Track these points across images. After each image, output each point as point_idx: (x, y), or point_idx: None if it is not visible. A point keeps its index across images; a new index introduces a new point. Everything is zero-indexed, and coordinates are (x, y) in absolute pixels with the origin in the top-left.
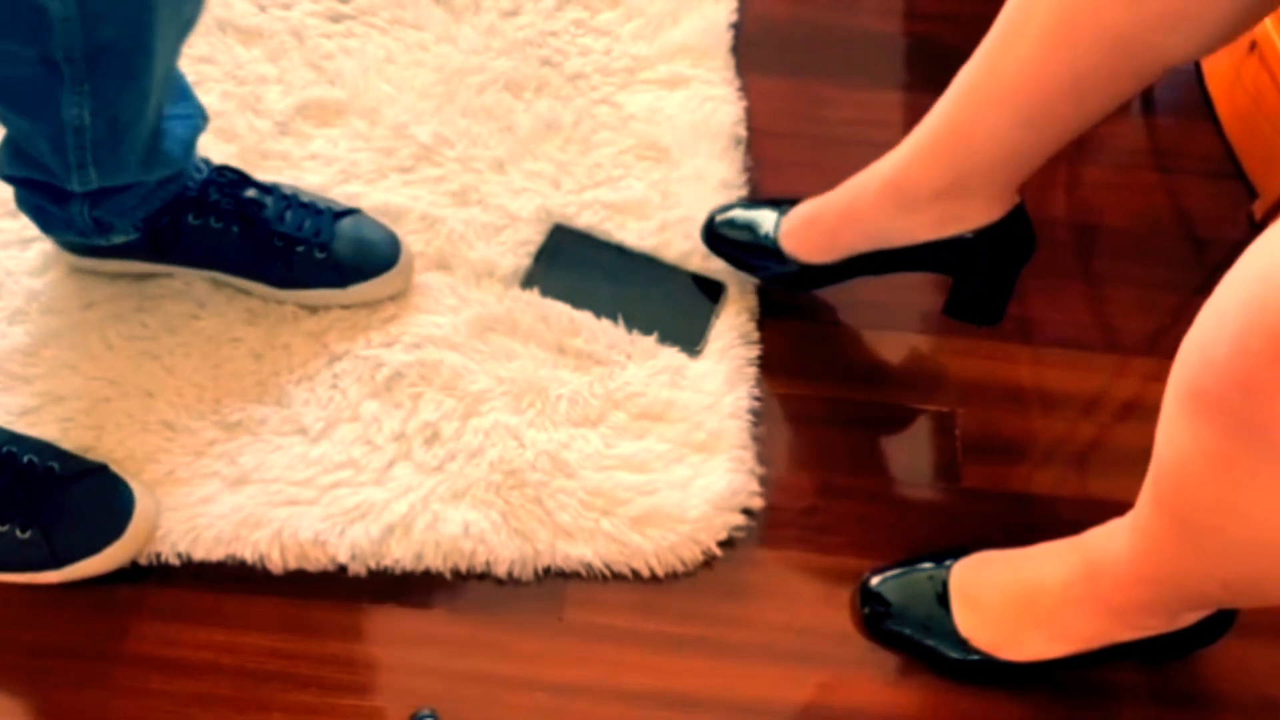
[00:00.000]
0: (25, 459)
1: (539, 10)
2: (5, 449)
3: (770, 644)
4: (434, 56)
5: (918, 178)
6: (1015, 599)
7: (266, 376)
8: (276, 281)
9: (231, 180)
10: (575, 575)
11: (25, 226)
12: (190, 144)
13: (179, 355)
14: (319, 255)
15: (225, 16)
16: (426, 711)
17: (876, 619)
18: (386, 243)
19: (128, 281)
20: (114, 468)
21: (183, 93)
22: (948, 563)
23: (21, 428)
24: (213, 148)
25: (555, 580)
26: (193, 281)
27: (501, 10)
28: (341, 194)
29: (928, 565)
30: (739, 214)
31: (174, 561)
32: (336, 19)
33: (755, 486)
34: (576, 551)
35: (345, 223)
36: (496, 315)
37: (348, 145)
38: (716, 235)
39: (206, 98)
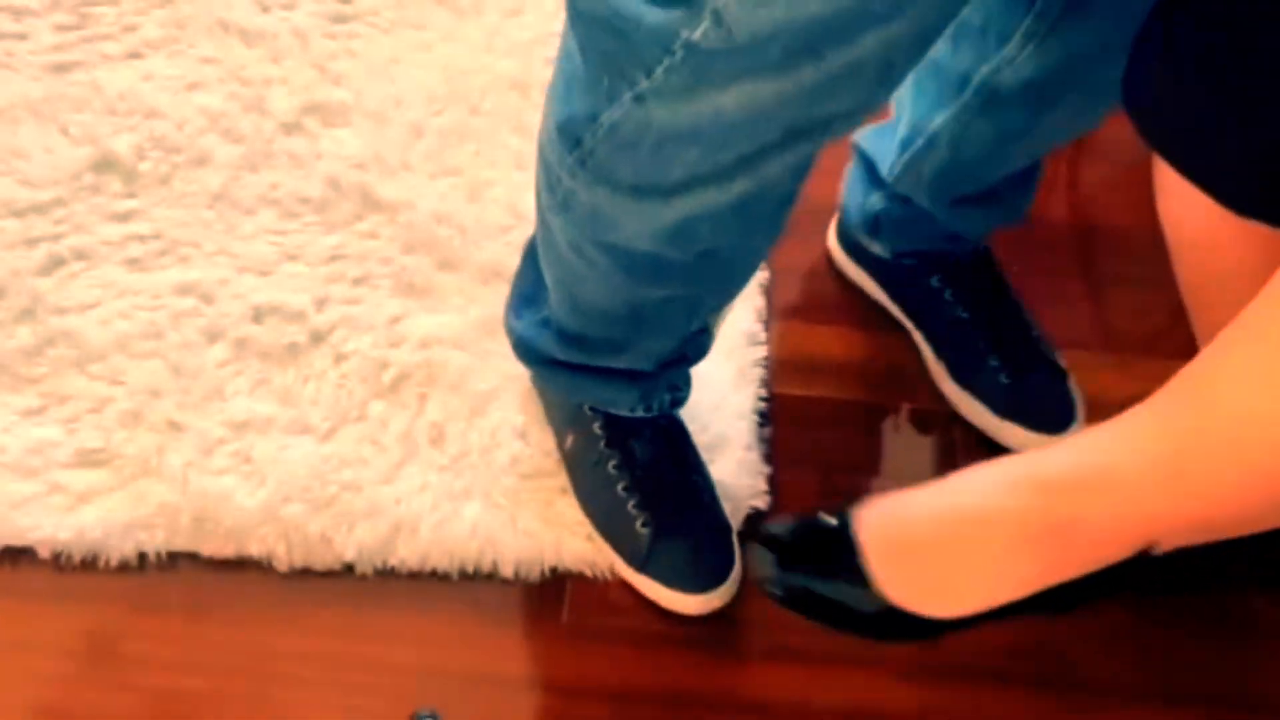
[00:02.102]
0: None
1: (542, 10)
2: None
3: (771, 644)
4: (438, 57)
5: None
6: (945, 543)
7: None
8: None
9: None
10: (579, 575)
11: (30, 226)
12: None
13: (185, 354)
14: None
15: (228, 17)
16: (426, 712)
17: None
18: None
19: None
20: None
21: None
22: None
23: (27, 428)
24: (218, 148)
25: (555, 580)
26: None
27: (504, 10)
28: (348, 192)
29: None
30: None
31: (180, 558)
32: (339, 19)
33: (762, 486)
34: (582, 551)
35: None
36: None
37: (354, 145)
38: None
39: (210, 98)
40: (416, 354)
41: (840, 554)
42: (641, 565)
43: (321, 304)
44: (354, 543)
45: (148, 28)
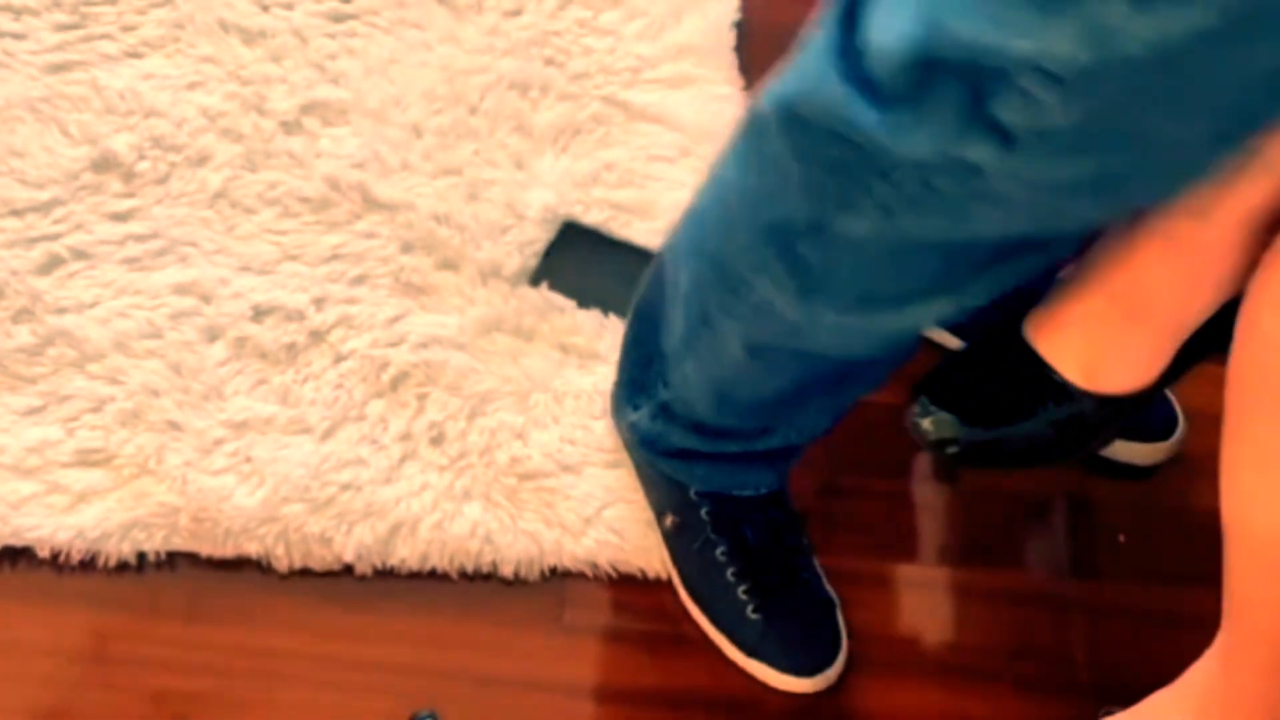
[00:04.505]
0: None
1: (541, 10)
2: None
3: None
4: (438, 56)
5: None
6: None
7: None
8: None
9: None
10: (579, 575)
11: (29, 226)
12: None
13: (184, 354)
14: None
15: (228, 17)
16: (426, 712)
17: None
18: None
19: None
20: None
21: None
22: None
23: (26, 428)
24: (218, 148)
25: (555, 580)
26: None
27: (504, 10)
28: (347, 192)
29: None
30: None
31: (179, 558)
32: (339, 18)
33: None
34: (582, 552)
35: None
36: (503, 315)
37: (354, 144)
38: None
39: (210, 98)
40: (416, 354)
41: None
42: (752, 651)
43: (320, 303)
44: (353, 543)
45: (147, 27)
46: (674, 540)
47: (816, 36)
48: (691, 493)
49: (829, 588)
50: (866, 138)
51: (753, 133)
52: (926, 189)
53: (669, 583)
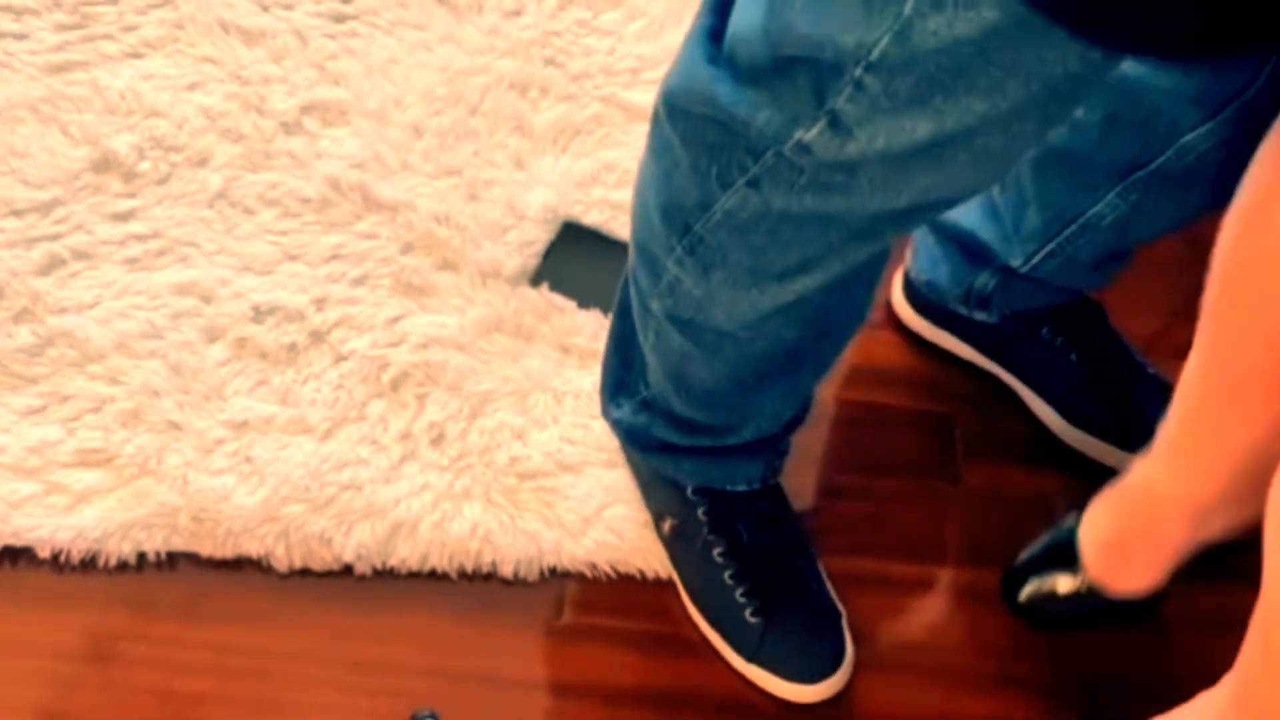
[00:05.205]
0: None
1: (541, 10)
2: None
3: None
4: (438, 57)
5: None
6: None
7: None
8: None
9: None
10: (579, 575)
11: (30, 226)
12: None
13: (184, 354)
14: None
15: (228, 17)
16: (426, 712)
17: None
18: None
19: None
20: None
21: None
22: None
23: (26, 428)
24: (219, 148)
25: (555, 580)
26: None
27: (504, 10)
28: (348, 192)
29: None
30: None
31: (179, 558)
32: (339, 19)
33: None
34: (582, 552)
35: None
36: (502, 315)
37: (354, 145)
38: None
39: (210, 98)
40: (416, 354)
41: None
42: (752, 656)
43: (321, 304)
44: (353, 543)
45: (148, 27)
46: (673, 545)
47: (691, 27)
48: (689, 492)
49: (835, 598)
50: (729, 115)
51: (653, 123)
52: (790, 166)
53: (668, 582)
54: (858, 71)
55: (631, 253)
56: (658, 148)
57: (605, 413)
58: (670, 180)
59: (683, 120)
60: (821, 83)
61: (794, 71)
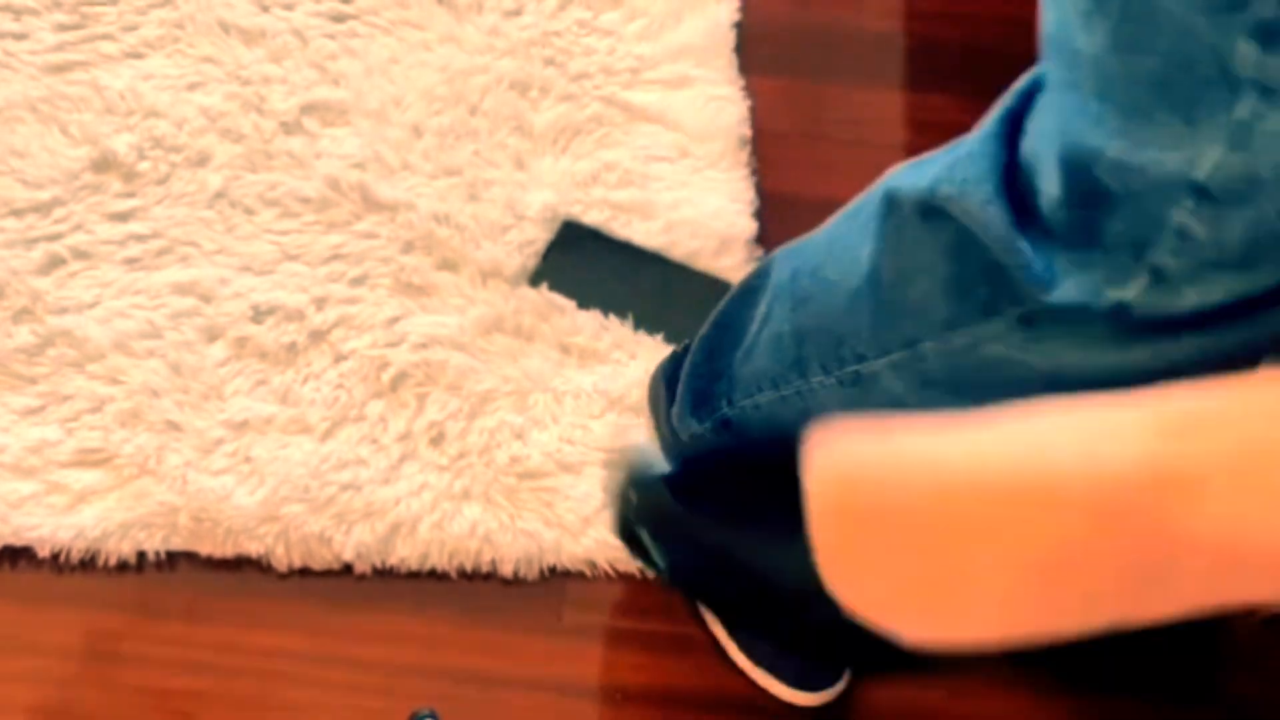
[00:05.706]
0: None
1: (541, 10)
2: None
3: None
4: (438, 57)
5: None
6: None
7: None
8: None
9: None
10: (578, 575)
11: (30, 226)
12: None
13: (184, 353)
14: None
15: (228, 17)
16: (426, 711)
17: None
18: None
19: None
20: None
21: None
22: None
23: (26, 428)
24: (218, 148)
25: (555, 580)
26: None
27: (504, 10)
28: (348, 192)
29: None
30: None
31: (178, 558)
32: (339, 19)
33: None
34: (581, 551)
35: None
36: (502, 315)
37: (354, 145)
38: None
39: (210, 98)
40: (416, 354)
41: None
42: (759, 661)
43: (320, 303)
44: (353, 542)
45: (147, 27)
46: None
47: (975, 141)
48: None
49: None
50: (1018, 268)
51: (886, 213)
52: (1067, 328)
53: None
54: (1183, 211)
55: (800, 318)
56: (896, 242)
57: (682, 423)
58: (910, 284)
59: (946, 231)
60: (1143, 243)
61: (1109, 226)
